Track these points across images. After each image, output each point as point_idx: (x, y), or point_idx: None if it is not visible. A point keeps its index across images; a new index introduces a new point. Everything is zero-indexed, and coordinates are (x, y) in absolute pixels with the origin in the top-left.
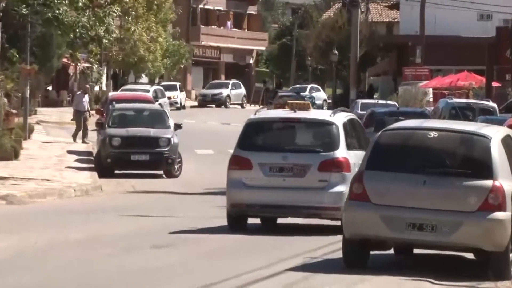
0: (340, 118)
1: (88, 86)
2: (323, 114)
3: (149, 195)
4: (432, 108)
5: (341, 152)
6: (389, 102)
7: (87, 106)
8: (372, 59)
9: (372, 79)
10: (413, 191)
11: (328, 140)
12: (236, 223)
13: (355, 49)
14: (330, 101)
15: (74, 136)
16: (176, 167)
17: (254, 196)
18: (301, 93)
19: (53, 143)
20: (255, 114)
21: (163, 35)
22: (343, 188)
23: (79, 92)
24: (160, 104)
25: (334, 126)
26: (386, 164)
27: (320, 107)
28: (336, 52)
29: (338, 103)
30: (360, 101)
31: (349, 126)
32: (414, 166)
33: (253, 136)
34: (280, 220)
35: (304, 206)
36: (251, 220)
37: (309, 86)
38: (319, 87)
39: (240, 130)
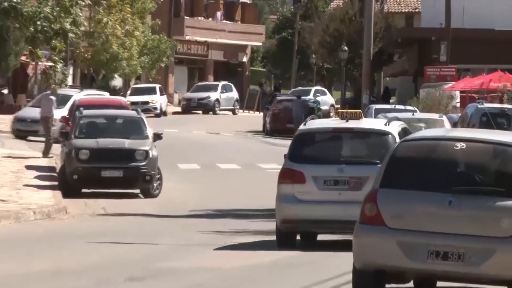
0: (395, 127)
1: (53, 87)
2: (378, 124)
3: (123, 218)
4: (460, 114)
5: None
6: (408, 107)
7: (53, 111)
8: (389, 57)
9: (389, 80)
10: (436, 212)
11: (384, 151)
12: (286, 239)
13: (368, 45)
14: (338, 106)
15: (47, 151)
16: (155, 185)
17: (307, 211)
18: (303, 97)
19: (9, 157)
20: (305, 124)
21: (140, 29)
22: None
23: (50, 95)
24: (137, 110)
25: (390, 136)
26: (404, 181)
27: (326, 114)
28: (346, 48)
29: (348, 108)
30: (374, 106)
31: (403, 135)
32: (437, 183)
33: (305, 148)
34: (320, 237)
35: None
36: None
37: (313, 89)
38: (325, 89)
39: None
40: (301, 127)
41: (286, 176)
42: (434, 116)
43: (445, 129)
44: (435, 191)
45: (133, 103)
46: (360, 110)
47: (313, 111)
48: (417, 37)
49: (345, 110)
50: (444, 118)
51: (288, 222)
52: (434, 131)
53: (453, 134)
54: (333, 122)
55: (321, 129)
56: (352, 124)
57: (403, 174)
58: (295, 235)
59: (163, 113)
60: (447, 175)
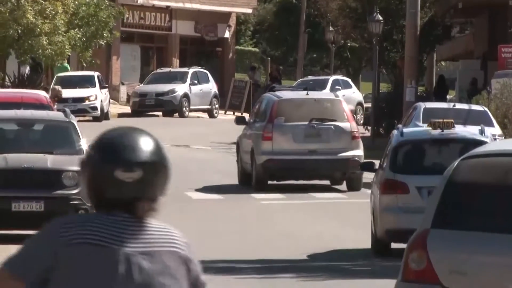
0: (490, 136)
1: None
2: (473, 133)
3: None
4: None
5: None
6: (474, 106)
7: None
8: (444, 31)
9: (444, 65)
10: None
11: None
12: (385, 249)
13: (414, 13)
14: (368, 105)
15: None
16: None
17: (413, 222)
18: (316, 92)
19: None
20: (402, 134)
21: None
22: None
23: None
24: (65, 111)
25: None
26: (469, 218)
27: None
28: (380, 17)
29: (383, 108)
30: (424, 105)
31: None
32: None
33: (406, 158)
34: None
35: None
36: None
37: (331, 79)
38: (349, 80)
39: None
40: (399, 138)
41: (389, 187)
42: (330, 95)
43: None
44: None
45: (59, 101)
46: (452, 120)
47: None
48: (488, 1)
49: (438, 120)
50: (342, 98)
51: (393, 233)
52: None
53: None
54: (428, 132)
55: (421, 139)
56: (450, 133)
57: (466, 208)
58: (389, 245)
59: (105, 116)
60: None
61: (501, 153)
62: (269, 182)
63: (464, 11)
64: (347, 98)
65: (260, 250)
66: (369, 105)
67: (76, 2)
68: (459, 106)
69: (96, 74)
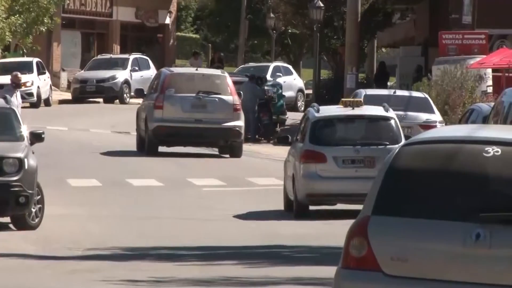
0: (393, 113)
1: None
2: (379, 110)
3: None
4: (492, 103)
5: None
6: (414, 93)
7: None
8: (385, 17)
9: (385, 52)
10: (457, 252)
11: (391, 134)
12: (304, 211)
13: (355, 0)
14: (309, 92)
15: None
16: (33, 210)
17: (330, 186)
18: (259, 77)
19: None
20: (318, 111)
21: None
22: None
23: None
24: (5, 97)
25: (393, 120)
26: (409, 205)
27: (293, 104)
28: (321, 4)
29: (324, 95)
30: (364, 91)
31: None
32: (458, 207)
33: (323, 132)
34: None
35: None
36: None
37: (272, 65)
38: (290, 66)
39: None
40: (316, 114)
41: (309, 156)
42: (216, 72)
43: (471, 127)
44: (455, 219)
45: (17, 87)
46: (361, 99)
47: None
48: None
49: (349, 99)
50: (227, 74)
51: (312, 196)
52: (453, 129)
53: (482, 134)
54: (342, 110)
55: (335, 116)
56: (359, 111)
57: (406, 195)
58: (308, 207)
59: (45, 102)
60: (473, 196)
61: (441, 139)
62: (160, 148)
63: None
64: (288, 84)
65: (201, 237)
66: (310, 91)
67: None
68: (399, 92)
69: (35, 60)
